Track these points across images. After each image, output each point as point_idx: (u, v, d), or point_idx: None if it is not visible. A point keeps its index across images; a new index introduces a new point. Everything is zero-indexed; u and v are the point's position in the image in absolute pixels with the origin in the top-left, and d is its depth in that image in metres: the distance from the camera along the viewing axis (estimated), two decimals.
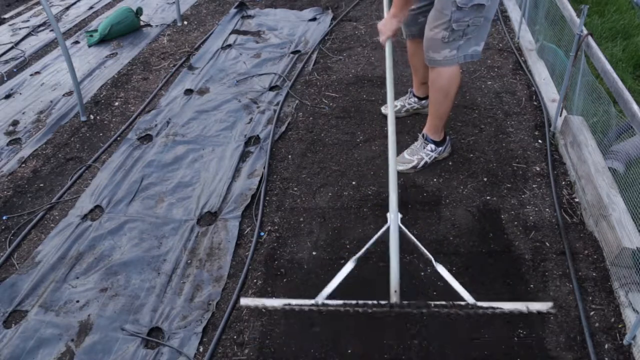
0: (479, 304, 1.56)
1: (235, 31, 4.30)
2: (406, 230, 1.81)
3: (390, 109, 2.12)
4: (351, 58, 3.76)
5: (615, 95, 2.05)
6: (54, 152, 2.96)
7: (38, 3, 5.37)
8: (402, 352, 1.78)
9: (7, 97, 3.55)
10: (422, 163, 2.59)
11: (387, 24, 2.34)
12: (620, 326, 1.83)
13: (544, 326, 1.85)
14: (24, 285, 2.13)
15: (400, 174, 2.58)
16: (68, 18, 4.87)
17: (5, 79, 3.81)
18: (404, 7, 2.31)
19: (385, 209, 2.38)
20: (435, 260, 1.75)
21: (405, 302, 1.61)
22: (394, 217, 1.81)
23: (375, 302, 1.59)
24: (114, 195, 2.59)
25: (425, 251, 1.78)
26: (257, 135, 2.98)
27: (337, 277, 1.71)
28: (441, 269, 1.73)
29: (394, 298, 1.66)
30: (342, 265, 2.12)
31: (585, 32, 2.37)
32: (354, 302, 1.59)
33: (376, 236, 1.81)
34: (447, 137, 2.65)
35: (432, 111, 2.51)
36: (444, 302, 1.57)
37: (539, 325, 1.86)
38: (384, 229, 1.81)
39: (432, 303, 1.56)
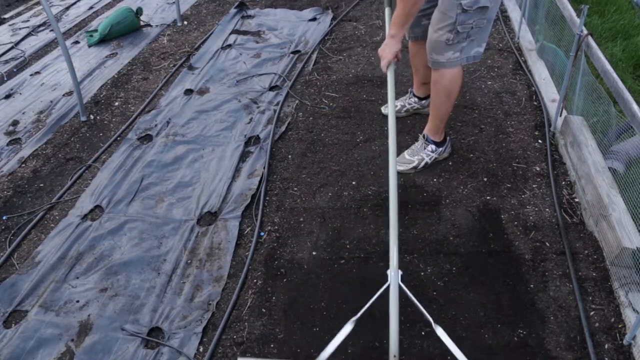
0: None
1: (235, 31, 4.30)
2: (407, 290, 1.70)
3: (392, 154, 1.95)
4: (351, 58, 3.76)
5: (615, 95, 2.05)
6: (54, 152, 2.96)
7: (38, 3, 5.37)
8: None
9: (7, 97, 3.55)
10: (422, 164, 2.59)
11: (387, 47, 2.22)
12: (620, 326, 1.83)
13: (544, 326, 1.85)
14: (24, 285, 2.13)
15: (400, 173, 2.58)
16: (68, 18, 4.87)
17: (5, 79, 3.81)
18: (404, 25, 2.19)
19: (385, 209, 2.39)
20: (435, 323, 1.66)
21: None
22: (394, 275, 1.69)
23: None
24: (114, 195, 2.59)
25: (425, 313, 1.69)
26: (257, 135, 2.98)
27: (335, 339, 1.64)
28: (440, 332, 1.64)
29: None
30: (342, 265, 2.14)
31: (585, 32, 2.37)
32: None
33: (375, 296, 1.71)
34: (448, 138, 2.65)
35: (434, 112, 2.51)
36: None
37: (539, 325, 1.86)
38: (383, 288, 1.71)
39: None
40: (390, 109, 2.09)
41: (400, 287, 1.69)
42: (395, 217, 1.84)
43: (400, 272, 1.71)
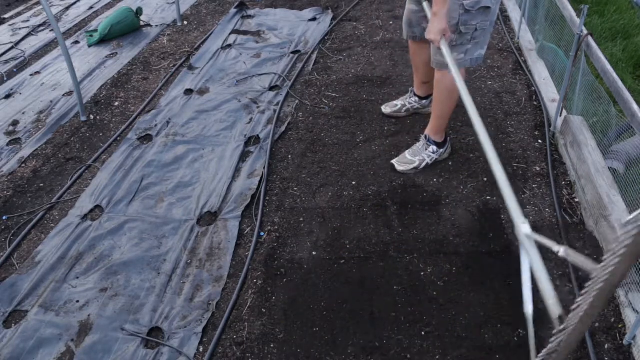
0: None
1: (235, 31, 4.30)
2: (538, 237, 1.31)
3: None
4: (351, 58, 3.76)
5: (615, 95, 2.05)
6: (54, 152, 2.96)
7: (38, 3, 5.37)
8: None
9: (7, 97, 3.55)
10: (423, 164, 2.59)
11: (431, 26, 2.11)
12: (620, 326, 1.83)
13: (544, 326, 1.85)
14: (24, 285, 2.13)
15: (400, 174, 2.58)
16: (68, 18, 4.87)
17: (5, 79, 3.81)
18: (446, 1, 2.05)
19: (385, 208, 2.39)
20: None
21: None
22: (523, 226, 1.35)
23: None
24: (114, 195, 2.59)
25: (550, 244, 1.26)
26: (257, 135, 2.98)
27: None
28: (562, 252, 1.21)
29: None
30: (342, 265, 2.13)
31: (585, 32, 2.37)
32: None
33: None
34: (448, 138, 2.66)
35: (436, 111, 2.51)
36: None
37: (539, 325, 1.85)
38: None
39: None
40: (458, 83, 1.96)
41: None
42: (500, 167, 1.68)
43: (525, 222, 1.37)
